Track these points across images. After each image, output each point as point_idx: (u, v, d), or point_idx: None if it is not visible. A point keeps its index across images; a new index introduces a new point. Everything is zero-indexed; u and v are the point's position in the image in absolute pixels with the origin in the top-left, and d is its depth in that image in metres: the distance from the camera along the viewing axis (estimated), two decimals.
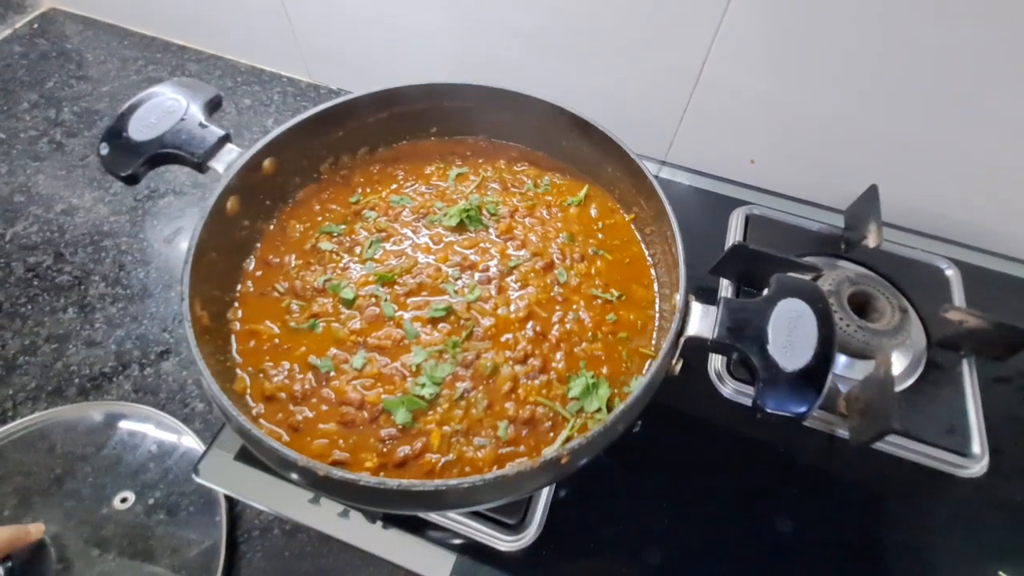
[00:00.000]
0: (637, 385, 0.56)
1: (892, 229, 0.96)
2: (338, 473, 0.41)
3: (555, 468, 0.43)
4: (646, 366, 0.57)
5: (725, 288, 0.84)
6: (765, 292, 0.49)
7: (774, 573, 0.63)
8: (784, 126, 0.92)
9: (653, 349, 0.58)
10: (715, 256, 0.79)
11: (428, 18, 0.98)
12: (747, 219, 0.94)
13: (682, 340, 0.49)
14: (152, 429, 0.75)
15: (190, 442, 0.75)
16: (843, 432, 0.72)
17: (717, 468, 0.70)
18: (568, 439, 0.52)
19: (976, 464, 0.70)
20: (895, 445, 0.71)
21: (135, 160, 0.53)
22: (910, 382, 0.77)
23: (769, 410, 0.43)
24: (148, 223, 1.02)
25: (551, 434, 0.53)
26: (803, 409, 0.42)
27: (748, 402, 0.74)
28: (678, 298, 0.53)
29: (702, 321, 0.49)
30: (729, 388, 0.75)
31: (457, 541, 0.62)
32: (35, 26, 1.31)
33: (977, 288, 0.87)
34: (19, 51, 1.25)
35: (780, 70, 0.84)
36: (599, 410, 0.54)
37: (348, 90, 1.20)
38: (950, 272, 0.89)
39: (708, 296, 0.82)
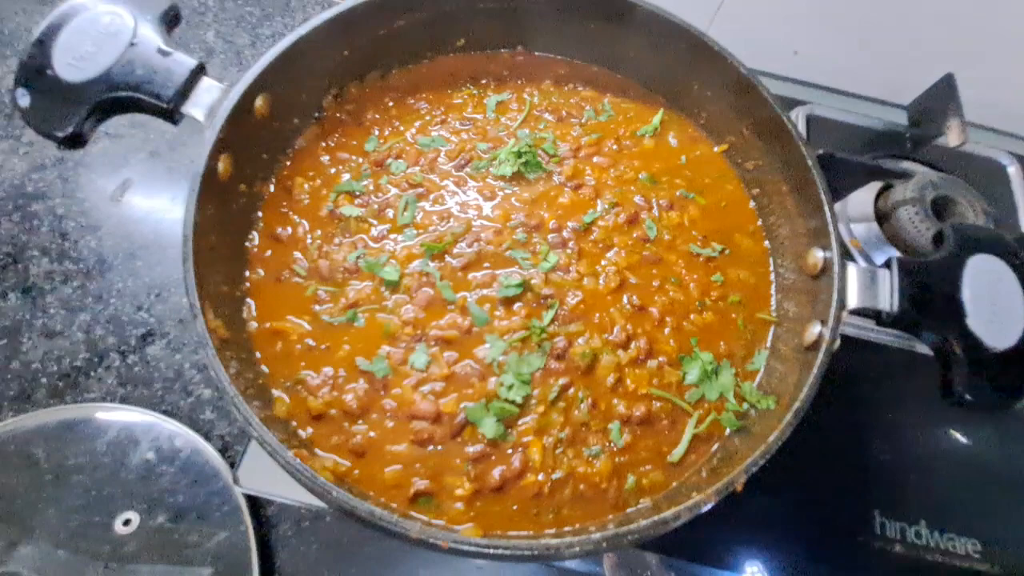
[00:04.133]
0: (760, 360, 0.47)
1: None
2: (434, 534, 0.32)
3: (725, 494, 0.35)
4: (769, 334, 0.48)
5: None
6: (943, 246, 0.39)
7: None
8: (829, 9, 0.77)
9: (775, 314, 0.49)
10: None
11: None
12: (808, 121, 0.82)
13: (844, 315, 0.39)
14: (144, 431, 0.62)
15: (195, 441, 0.63)
16: None
17: None
18: (698, 437, 0.43)
19: None
20: None
21: (75, 111, 0.36)
22: None
23: (973, 400, 0.35)
24: (84, 178, 0.82)
25: (668, 432, 0.44)
26: (1018, 400, 0.34)
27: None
28: (820, 256, 0.43)
29: (867, 289, 0.39)
30: None
31: None
32: None
33: None
34: None
35: None
36: (722, 398, 0.45)
37: None
38: (1012, 168, 0.80)
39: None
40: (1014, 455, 0.64)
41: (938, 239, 0.40)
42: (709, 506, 0.33)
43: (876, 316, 0.39)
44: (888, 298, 0.38)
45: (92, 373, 0.68)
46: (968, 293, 0.37)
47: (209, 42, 0.92)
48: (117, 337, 0.70)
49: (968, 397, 0.35)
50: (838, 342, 0.40)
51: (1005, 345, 0.35)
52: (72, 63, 0.36)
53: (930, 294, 0.37)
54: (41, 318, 0.71)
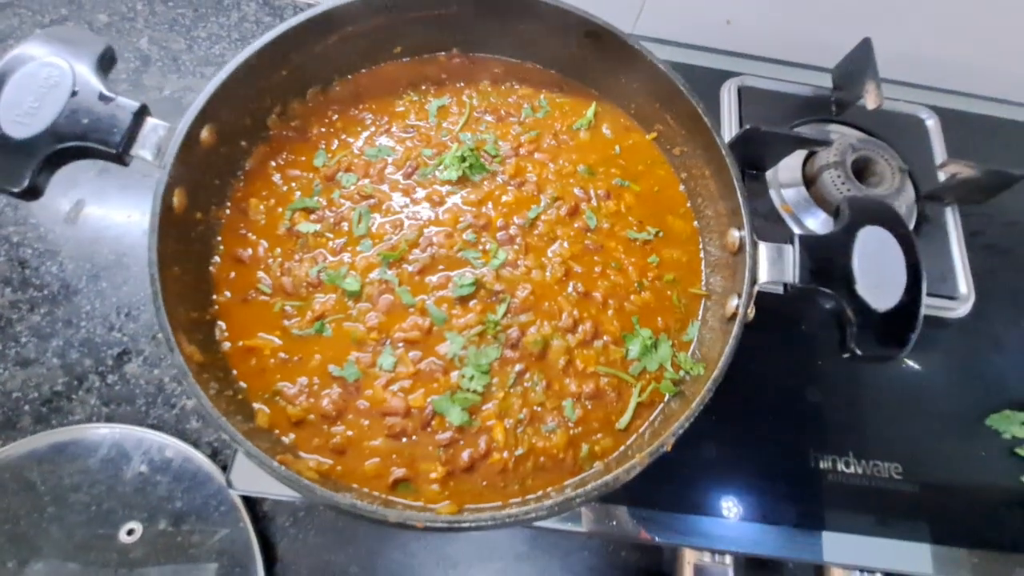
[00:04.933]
0: (693, 331, 0.53)
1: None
2: (408, 515, 0.37)
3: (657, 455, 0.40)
4: (700, 307, 0.54)
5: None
6: (838, 220, 0.45)
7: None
8: None
9: (705, 288, 0.54)
10: None
11: None
12: (740, 92, 0.86)
13: (756, 289, 0.44)
14: (134, 446, 0.66)
15: (185, 450, 0.67)
16: None
17: None
18: (641, 404, 0.49)
19: (963, 305, 0.72)
20: None
21: (26, 166, 0.37)
22: None
23: (863, 354, 0.41)
24: (35, 203, 0.81)
25: (615, 403, 0.50)
26: (899, 351, 0.41)
27: None
28: (736, 236, 0.48)
29: (774, 265, 0.44)
30: None
31: None
32: None
33: (957, 134, 0.84)
34: None
35: None
36: (661, 367, 0.51)
37: None
38: (930, 122, 0.86)
39: None
40: (930, 386, 0.72)
41: (837, 212, 0.46)
42: (642, 468, 0.39)
43: (784, 287, 0.45)
44: (792, 271, 0.43)
45: (74, 396, 0.70)
46: (858, 262, 0.42)
47: (143, 49, 0.89)
48: (93, 359, 0.72)
49: (858, 352, 0.41)
50: (752, 313, 0.45)
51: (887, 306, 0.41)
52: (18, 120, 0.38)
53: (826, 265, 0.43)
54: (14, 348, 0.72)
